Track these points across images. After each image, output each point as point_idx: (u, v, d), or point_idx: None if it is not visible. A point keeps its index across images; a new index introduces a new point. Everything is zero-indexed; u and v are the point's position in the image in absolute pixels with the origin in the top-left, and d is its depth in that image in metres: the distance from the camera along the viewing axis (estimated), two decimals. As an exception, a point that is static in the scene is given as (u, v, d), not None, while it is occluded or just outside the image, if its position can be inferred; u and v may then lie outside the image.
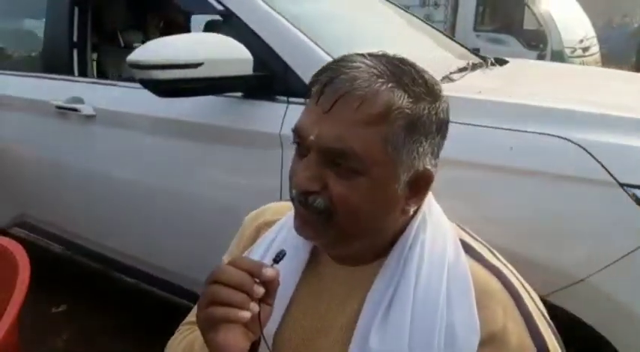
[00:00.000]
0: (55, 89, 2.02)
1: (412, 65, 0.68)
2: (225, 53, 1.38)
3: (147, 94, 1.74)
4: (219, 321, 0.64)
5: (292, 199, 0.70)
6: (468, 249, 0.73)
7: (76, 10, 2.04)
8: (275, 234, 0.82)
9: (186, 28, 2.11)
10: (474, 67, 1.81)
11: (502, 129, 1.16)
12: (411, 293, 0.68)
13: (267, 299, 0.66)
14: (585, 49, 8.51)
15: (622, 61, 9.12)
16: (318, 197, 0.66)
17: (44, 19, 2.12)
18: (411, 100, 0.64)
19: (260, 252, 0.80)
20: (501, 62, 2.11)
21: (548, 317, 0.72)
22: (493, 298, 0.68)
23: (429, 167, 0.68)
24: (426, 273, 0.69)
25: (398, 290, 0.69)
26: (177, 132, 1.64)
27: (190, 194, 1.63)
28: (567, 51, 8.11)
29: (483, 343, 0.65)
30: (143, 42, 2.60)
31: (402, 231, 0.72)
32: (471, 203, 1.14)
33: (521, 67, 2.19)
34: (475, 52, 2.44)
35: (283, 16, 1.51)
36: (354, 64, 0.65)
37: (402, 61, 0.68)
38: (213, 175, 1.59)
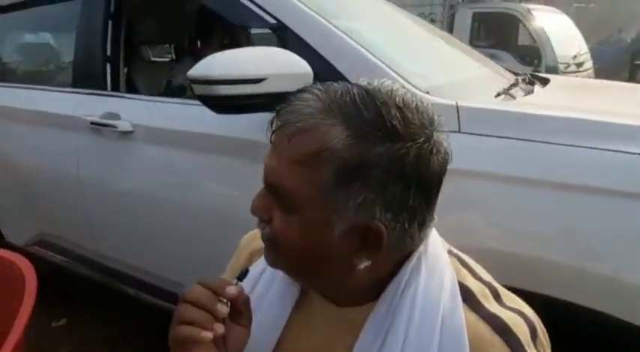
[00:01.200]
0: (87, 104, 1.93)
1: (377, 98, 0.58)
2: (287, 67, 1.31)
3: (191, 111, 1.68)
4: (185, 341, 0.63)
5: None
6: (467, 295, 0.65)
7: (110, 23, 1.96)
8: (263, 266, 0.75)
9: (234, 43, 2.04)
10: (521, 83, 1.76)
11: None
12: (400, 344, 0.62)
13: (239, 320, 0.67)
14: (579, 65, 8.59)
15: (615, 76, 9.20)
16: (264, 224, 0.65)
17: (75, 33, 2.03)
18: (352, 141, 0.56)
19: (252, 281, 0.75)
20: (538, 78, 2.06)
21: None
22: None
23: (377, 222, 0.58)
24: (416, 327, 0.63)
25: (385, 345, 0.63)
26: (227, 149, 1.56)
27: (241, 216, 1.53)
28: (561, 66, 8.17)
29: None
30: (174, 56, 2.55)
31: (393, 273, 0.65)
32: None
33: (567, 82, 2.14)
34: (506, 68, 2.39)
35: (341, 30, 1.44)
36: (305, 96, 0.60)
37: (366, 93, 0.59)
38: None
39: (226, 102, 1.27)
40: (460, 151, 1.17)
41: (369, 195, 0.57)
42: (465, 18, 9.95)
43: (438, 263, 0.66)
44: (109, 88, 1.95)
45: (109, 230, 1.98)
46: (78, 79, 2.01)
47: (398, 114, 0.57)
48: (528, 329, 0.63)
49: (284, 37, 1.48)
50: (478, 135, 1.21)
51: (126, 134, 1.78)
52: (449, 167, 0.63)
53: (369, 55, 1.37)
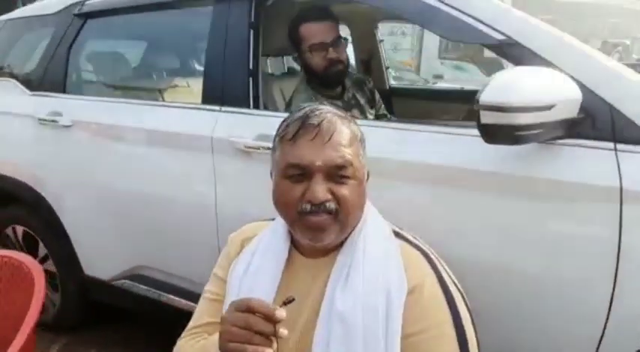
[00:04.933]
0: (231, 124, 1.62)
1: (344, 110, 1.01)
2: (567, 93, 1.07)
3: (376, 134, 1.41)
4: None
5: (301, 213, 0.91)
6: (397, 235, 1.00)
7: (252, 33, 1.65)
8: (256, 245, 1.03)
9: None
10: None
11: None
12: (361, 266, 0.92)
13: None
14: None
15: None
16: (329, 203, 0.89)
17: (206, 43, 1.71)
18: (357, 128, 0.98)
19: (247, 258, 1.02)
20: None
21: (455, 281, 0.97)
22: (415, 263, 0.94)
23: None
24: (369, 252, 0.93)
25: (352, 265, 0.92)
26: (445, 179, 1.29)
27: (473, 258, 1.27)
28: None
29: (409, 293, 0.90)
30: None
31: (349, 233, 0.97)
32: None
33: None
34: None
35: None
36: (324, 110, 0.94)
37: (338, 108, 1.00)
38: (505, 232, 1.24)
39: (511, 132, 1.02)
40: None
41: (364, 154, 0.97)
42: (434, 32, 9.95)
43: (376, 218, 1.00)
44: (251, 105, 1.64)
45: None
46: (212, 95, 1.69)
47: None
48: (431, 253, 0.98)
49: (516, 54, 1.24)
50: None
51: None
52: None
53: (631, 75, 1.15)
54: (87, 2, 2.06)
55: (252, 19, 1.66)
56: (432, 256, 0.97)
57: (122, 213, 1.91)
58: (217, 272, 1.11)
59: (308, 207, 0.89)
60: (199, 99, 1.74)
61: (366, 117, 1.89)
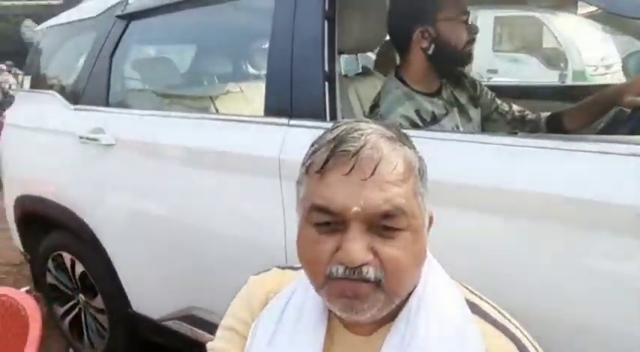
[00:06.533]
0: (302, 141, 1.26)
1: (397, 126, 0.70)
2: None
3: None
4: None
5: (330, 278, 0.62)
6: (475, 309, 0.69)
7: (326, 26, 1.28)
8: (282, 309, 0.75)
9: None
10: None
11: None
12: None
13: None
14: (608, 67, 7.92)
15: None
16: (368, 268, 0.61)
17: (269, 38, 1.36)
18: (414, 154, 0.67)
19: (270, 325, 0.74)
20: None
21: None
22: None
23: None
24: (433, 337, 0.65)
25: None
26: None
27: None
28: (589, 69, 7.57)
29: None
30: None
31: (405, 300, 0.68)
32: None
33: None
34: None
35: None
36: (367, 129, 0.64)
37: (388, 125, 0.68)
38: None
39: None
40: None
41: (425, 191, 0.67)
42: (486, 21, 9.42)
43: (443, 281, 0.71)
44: (327, 116, 1.28)
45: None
46: (278, 105, 1.34)
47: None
48: (531, 344, 0.68)
49: None
50: None
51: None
52: None
53: None
54: (130, 1, 1.76)
55: (327, 8, 1.29)
56: (525, 341, 0.67)
57: (173, 247, 1.59)
58: (235, 326, 0.79)
59: (340, 270, 0.62)
60: (262, 111, 1.40)
61: (469, 120, 1.47)
